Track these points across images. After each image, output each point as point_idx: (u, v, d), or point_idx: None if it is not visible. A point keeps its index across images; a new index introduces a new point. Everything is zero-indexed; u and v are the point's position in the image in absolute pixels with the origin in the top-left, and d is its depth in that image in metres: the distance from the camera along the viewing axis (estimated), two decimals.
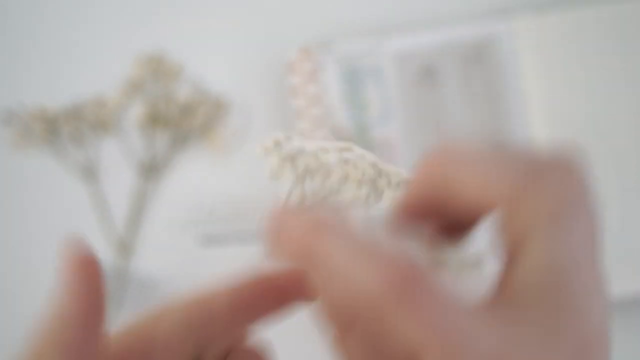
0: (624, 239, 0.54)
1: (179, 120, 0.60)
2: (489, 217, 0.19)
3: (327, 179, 0.22)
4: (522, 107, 0.57)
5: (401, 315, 0.15)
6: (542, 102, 0.56)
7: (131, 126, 0.60)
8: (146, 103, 0.60)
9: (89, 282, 0.19)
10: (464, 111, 0.57)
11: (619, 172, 0.55)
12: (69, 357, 0.18)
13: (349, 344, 0.20)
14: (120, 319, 0.58)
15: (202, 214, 0.58)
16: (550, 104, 0.56)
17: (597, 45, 0.57)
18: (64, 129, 0.60)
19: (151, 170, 0.59)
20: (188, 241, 0.57)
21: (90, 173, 0.59)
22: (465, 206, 0.18)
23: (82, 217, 0.58)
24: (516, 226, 0.17)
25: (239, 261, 0.61)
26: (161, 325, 0.20)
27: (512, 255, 0.18)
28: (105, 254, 0.58)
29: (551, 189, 0.17)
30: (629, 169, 0.55)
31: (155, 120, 0.60)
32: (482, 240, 0.20)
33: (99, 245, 0.67)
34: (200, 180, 0.59)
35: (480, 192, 0.18)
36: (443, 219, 0.19)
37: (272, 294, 0.21)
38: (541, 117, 0.56)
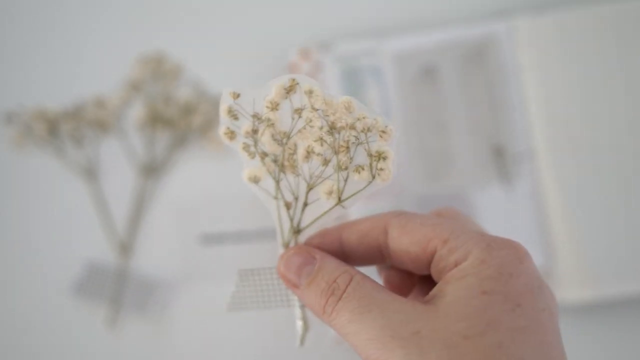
0: (625, 239, 0.54)
1: (178, 120, 0.60)
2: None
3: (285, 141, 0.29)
4: (521, 107, 0.57)
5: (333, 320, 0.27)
6: (542, 102, 0.56)
7: (131, 126, 0.60)
8: (146, 103, 0.60)
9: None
10: (464, 111, 0.57)
11: (619, 172, 0.55)
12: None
13: None
14: (119, 319, 0.58)
15: (202, 214, 0.58)
16: (550, 104, 0.56)
17: (597, 46, 0.57)
18: (64, 129, 0.60)
19: (151, 170, 0.59)
20: (188, 241, 0.57)
21: (90, 173, 0.59)
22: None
23: (82, 217, 0.58)
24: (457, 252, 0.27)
25: (238, 261, 0.61)
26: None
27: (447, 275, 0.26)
28: (105, 254, 0.58)
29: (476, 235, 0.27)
30: (629, 169, 0.55)
31: (155, 120, 0.60)
32: None
33: (99, 245, 0.67)
34: (200, 180, 0.59)
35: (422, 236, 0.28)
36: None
37: None
38: (541, 117, 0.56)
